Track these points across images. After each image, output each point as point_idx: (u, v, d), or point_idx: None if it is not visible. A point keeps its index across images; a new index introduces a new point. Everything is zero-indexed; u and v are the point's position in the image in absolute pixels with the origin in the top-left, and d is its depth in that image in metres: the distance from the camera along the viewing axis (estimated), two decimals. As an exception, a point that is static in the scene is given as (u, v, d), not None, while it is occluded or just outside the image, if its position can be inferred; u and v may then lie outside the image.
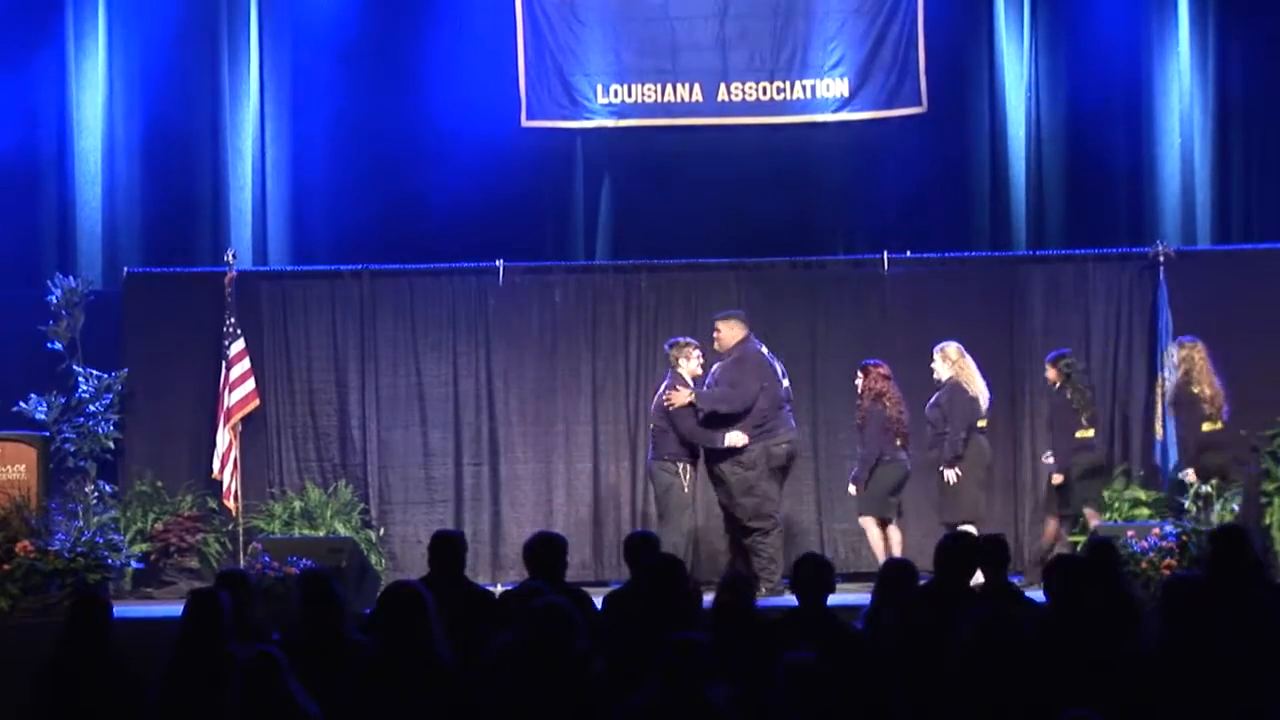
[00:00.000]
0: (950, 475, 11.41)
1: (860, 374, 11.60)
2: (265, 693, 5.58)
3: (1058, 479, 11.58)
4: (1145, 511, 11.80)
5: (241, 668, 5.66)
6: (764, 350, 11.33)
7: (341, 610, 6.60)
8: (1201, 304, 12.40)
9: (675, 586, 7.21)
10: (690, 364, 11.37)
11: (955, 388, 11.48)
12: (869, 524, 11.49)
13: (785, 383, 11.31)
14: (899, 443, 11.44)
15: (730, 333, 11.29)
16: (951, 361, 11.53)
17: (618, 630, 7.12)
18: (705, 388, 11.24)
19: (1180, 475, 11.52)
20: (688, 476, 11.23)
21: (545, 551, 7.63)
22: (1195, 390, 11.51)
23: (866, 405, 11.48)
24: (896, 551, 11.19)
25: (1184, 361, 11.61)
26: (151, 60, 13.58)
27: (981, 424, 11.61)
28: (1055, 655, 6.36)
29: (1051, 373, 11.77)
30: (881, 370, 11.51)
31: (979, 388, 11.58)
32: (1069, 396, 11.64)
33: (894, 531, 11.47)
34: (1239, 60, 13.56)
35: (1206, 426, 11.51)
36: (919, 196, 13.50)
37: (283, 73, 13.72)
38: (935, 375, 11.61)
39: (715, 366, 11.34)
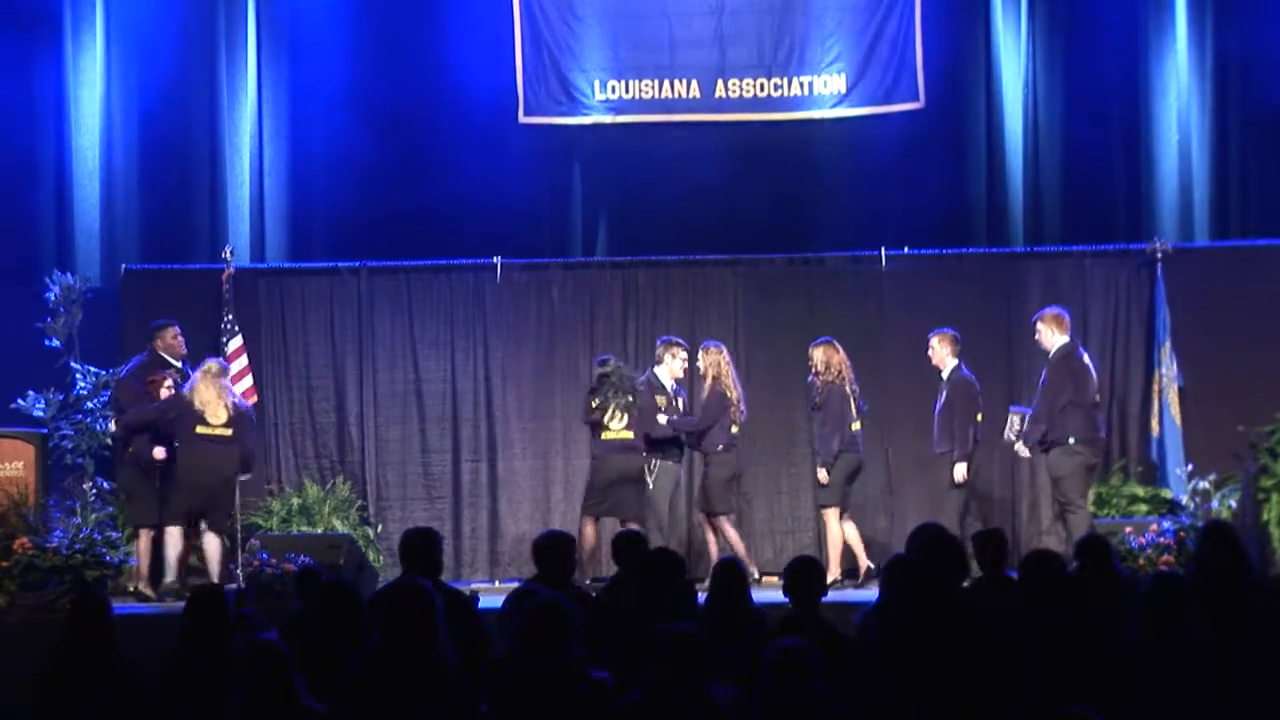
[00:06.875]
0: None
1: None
2: (270, 685, 5.57)
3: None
4: (1143, 508, 11.81)
5: (245, 660, 5.64)
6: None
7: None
8: (1199, 300, 12.41)
9: (671, 581, 7.21)
10: (671, 365, 11.75)
11: None
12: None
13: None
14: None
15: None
16: None
17: (609, 626, 7.12)
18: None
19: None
20: (655, 469, 11.63)
21: (550, 550, 7.64)
22: (729, 394, 11.65)
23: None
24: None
25: (711, 366, 11.73)
26: (149, 58, 13.57)
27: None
28: (1034, 652, 6.38)
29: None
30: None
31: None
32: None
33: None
34: (1236, 56, 13.53)
35: (735, 429, 11.69)
36: (916, 193, 13.47)
37: (280, 70, 13.72)
38: None
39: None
